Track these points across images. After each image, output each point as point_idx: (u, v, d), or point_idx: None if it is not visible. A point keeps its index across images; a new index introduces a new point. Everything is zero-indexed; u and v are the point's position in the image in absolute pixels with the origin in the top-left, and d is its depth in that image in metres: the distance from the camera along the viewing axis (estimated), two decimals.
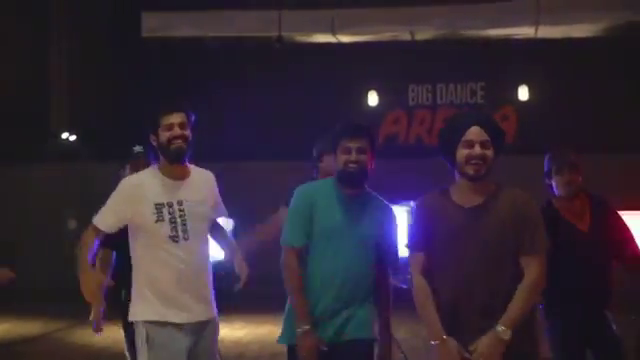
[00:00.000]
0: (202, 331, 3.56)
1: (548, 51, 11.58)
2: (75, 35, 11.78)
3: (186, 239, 3.47)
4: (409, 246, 3.29)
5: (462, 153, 3.04)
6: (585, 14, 10.95)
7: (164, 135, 3.46)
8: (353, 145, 3.50)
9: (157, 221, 3.42)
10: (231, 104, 11.73)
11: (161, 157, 3.55)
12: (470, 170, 3.04)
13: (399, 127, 12.44)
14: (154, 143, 3.55)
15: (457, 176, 3.16)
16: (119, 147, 5.52)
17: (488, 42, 11.67)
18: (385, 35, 11.62)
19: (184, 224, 3.47)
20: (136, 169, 4.09)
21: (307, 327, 3.35)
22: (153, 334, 3.47)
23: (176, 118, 3.51)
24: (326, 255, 3.59)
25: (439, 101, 12.49)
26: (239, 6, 11.34)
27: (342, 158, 3.52)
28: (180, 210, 3.47)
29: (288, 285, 3.59)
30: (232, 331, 9.11)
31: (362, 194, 3.64)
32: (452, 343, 3.08)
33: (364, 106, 12.01)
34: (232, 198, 9.03)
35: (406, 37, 11.61)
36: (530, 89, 11.82)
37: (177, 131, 3.47)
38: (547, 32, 11.27)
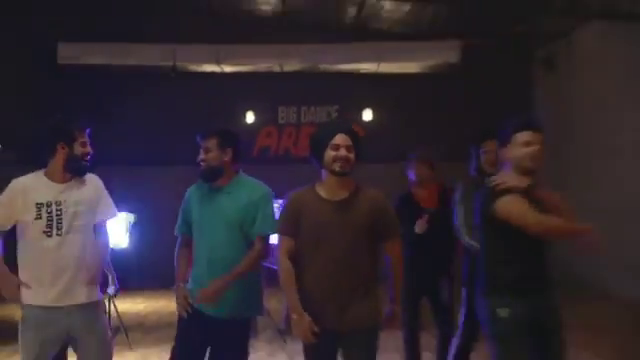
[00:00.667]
0: (85, 311, 3.59)
1: (386, 82, 12.50)
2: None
3: (59, 235, 3.51)
4: (278, 231, 3.47)
5: (330, 154, 3.32)
6: (414, 55, 12.19)
7: (79, 149, 3.60)
8: (203, 145, 3.77)
9: (36, 218, 3.51)
10: (133, 121, 12.07)
11: (54, 162, 3.61)
12: (337, 168, 3.31)
13: (271, 140, 13.12)
14: (62, 151, 3.59)
15: (324, 175, 3.41)
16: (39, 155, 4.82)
17: (340, 74, 12.43)
18: (260, 66, 12.24)
19: (59, 222, 3.52)
20: None
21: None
22: (28, 315, 3.56)
23: (85, 137, 3.66)
24: (199, 240, 3.82)
25: (303, 120, 13.30)
26: (142, 40, 11.68)
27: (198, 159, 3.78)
28: (57, 209, 3.53)
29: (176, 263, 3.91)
30: (134, 305, 9.54)
31: (227, 185, 3.79)
32: (307, 319, 3.27)
33: (243, 123, 12.63)
34: (135, 197, 9.96)
35: (277, 69, 12.29)
36: (373, 112, 12.83)
37: (89, 149, 3.64)
38: (386, 68, 12.29)
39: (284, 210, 3.44)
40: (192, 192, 3.90)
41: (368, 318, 3.36)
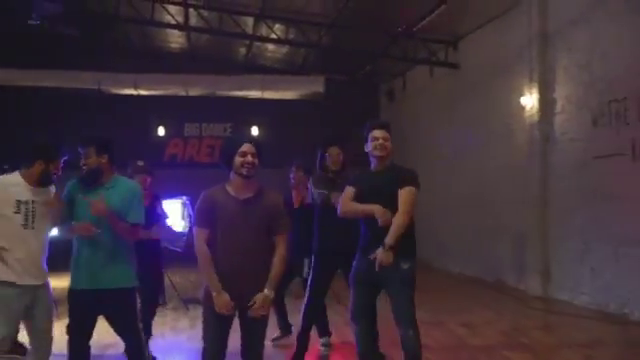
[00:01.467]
0: (37, 291, 3.76)
1: (270, 105, 13.46)
2: None
3: (33, 228, 3.72)
4: (195, 224, 3.46)
5: (238, 160, 3.36)
6: (290, 86, 13.11)
7: (52, 168, 3.75)
8: (83, 152, 3.76)
9: (15, 212, 3.68)
10: (67, 135, 12.73)
11: (31, 171, 3.74)
12: (244, 171, 3.35)
13: (178, 150, 14.06)
14: (39, 166, 3.72)
15: (232, 176, 3.41)
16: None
17: (234, 99, 13.15)
18: (170, 91, 12.94)
19: (33, 217, 3.72)
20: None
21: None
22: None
23: (59, 162, 3.79)
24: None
25: (204, 133, 14.25)
26: (75, 68, 12.16)
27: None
28: (33, 208, 3.73)
29: None
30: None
31: (107, 182, 3.77)
32: (226, 295, 3.34)
33: (155, 135, 13.66)
34: None
35: (183, 93, 12.98)
36: (259, 128, 13.91)
37: (59, 171, 3.81)
38: (269, 95, 13.16)
39: (200, 205, 3.44)
40: (73, 187, 3.85)
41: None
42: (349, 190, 4.03)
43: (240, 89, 13.06)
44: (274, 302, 4.35)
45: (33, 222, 3.70)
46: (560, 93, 8.55)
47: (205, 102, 13.41)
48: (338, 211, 4.04)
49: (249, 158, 3.34)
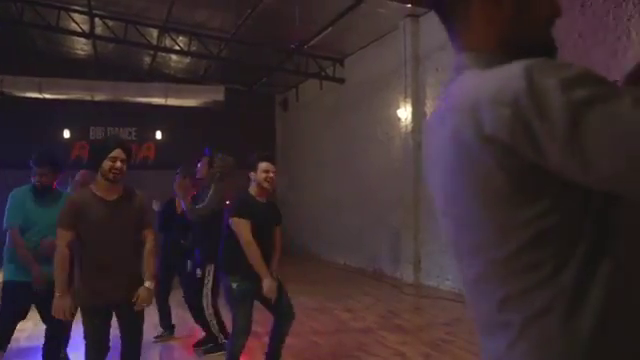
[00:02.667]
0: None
1: (173, 112, 13.16)
2: None
3: None
4: (59, 225, 3.28)
5: (107, 164, 3.26)
6: (192, 94, 12.74)
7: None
8: (38, 170, 3.94)
9: None
10: None
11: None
12: (111, 177, 3.26)
13: (83, 152, 13.20)
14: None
15: (99, 178, 3.29)
16: None
17: (138, 104, 12.65)
18: (75, 95, 12.28)
19: None
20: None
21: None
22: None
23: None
24: (33, 234, 3.96)
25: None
26: None
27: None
28: None
29: None
30: None
31: (54, 194, 3.99)
32: (67, 299, 3.22)
33: (61, 138, 13.09)
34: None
35: (88, 98, 12.38)
36: (162, 133, 13.80)
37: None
38: (173, 101, 12.70)
39: (67, 207, 3.32)
40: (25, 194, 3.98)
41: (136, 292, 3.35)
42: (244, 223, 3.89)
43: (144, 95, 12.66)
44: (156, 299, 4.43)
45: None
46: (429, 107, 9.00)
47: (111, 107, 12.92)
48: (241, 241, 3.87)
49: (118, 164, 3.27)
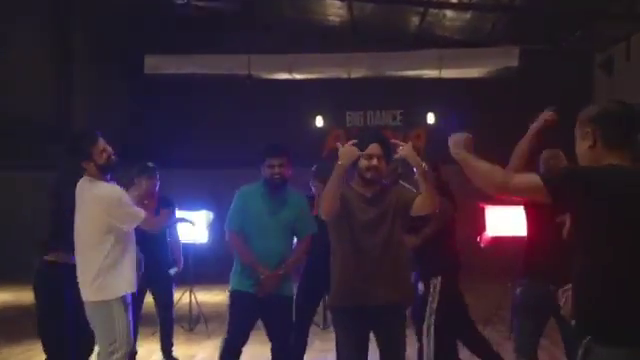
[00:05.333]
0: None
1: (449, 87, 12.40)
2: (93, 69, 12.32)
3: None
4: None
5: (363, 162, 3.67)
6: (474, 61, 12.24)
7: (101, 158, 3.96)
8: (276, 161, 4.19)
9: None
10: (212, 125, 12.50)
11: (89, 172, 3.96)
12: (368, 175, 3.66)
13: (340, 143, 13.34)
14: (88, 166, 3.94)
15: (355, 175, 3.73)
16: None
17: (405, 80, 12.45)
18: (329, 73, 12.38)
19: None
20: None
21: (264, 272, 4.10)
22: None
23: (101, 145, 3.99)
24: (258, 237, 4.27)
25: (369, 123, 13.43)
26: (221, 51, 11.99)
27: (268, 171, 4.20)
28: None
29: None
30: (212, 296, 9.41)
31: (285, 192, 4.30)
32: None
33: (313, 127, 12.94)
34: (216, 196, 10.14)
35: (344, 75, 12.35)
36: (436, 115, 12.88)
37: (109, 150, 4.00)
38: (447, 73, 12.22)
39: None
40: (251, 194, 4.33)
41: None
42: None
43: (413, 67, 12.36)
44: None
45: None
46: None
47: (370, 85, 12.68)
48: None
49: (374, 162, 3.59)
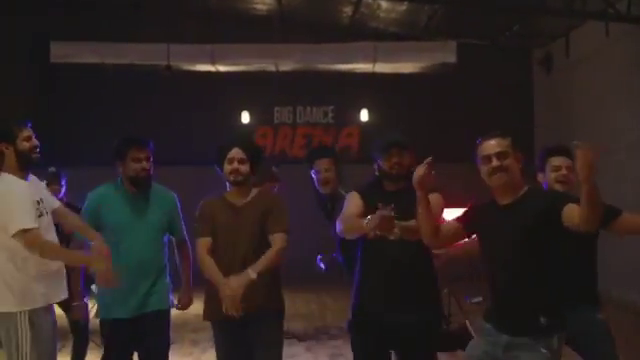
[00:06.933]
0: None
1: (383, 82, 12.60)
2: None
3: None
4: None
5: (226, 168, 3.83)
6: (409, 56, 12.30)
7: (24, 145, 3.63)
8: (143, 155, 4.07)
9: (39, 216, 3.59)
10: (123, 121, 11.74)
11: (7, 162, 3.65)
12: (231, 177, 3.84)
13: (266, 140, 13.13)
14: (7, 151, 3.62)
15: (228, 186, 3.89)
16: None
17: (337, 74, 12.47)
18: (255, 66, 12.25)
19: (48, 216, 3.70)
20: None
21: None
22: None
23: (27, 132, 3.70)
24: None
25: (298, 120, 13.45)
26: (135, 39, 11.63)
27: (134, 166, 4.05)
28: (44, 206, 3.66)
29: None
30: None
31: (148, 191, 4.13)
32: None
33: (238, 123, 12.74)
34: None
35: (272, 68, 12.32)
36: (369, 112, 12.96)
37: (34, 142, 3.70)
38: (382, 68, 12.34)
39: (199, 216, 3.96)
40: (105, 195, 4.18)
41: None
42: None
43: (345, 61, 12.34)
44: None
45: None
46: None
47: (300, 79, 12.58)
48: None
49: (235, 165, 3.78)
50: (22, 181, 3.55)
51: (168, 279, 4.15)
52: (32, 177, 3.70)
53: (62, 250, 3.74)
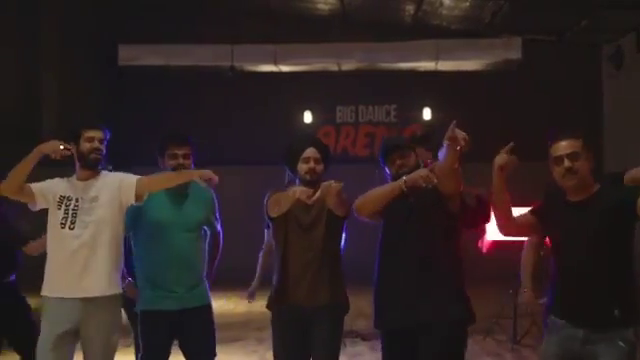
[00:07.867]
0: (91, 305, 3.66)
1: (445, 80, 12.51)
2: (63, 61, 12.07)
3: (71, 228, 3.66)
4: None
5: (302, 167, 3.82)
6: (473, 53, 12.25)
7: (85, 145, 3.75)
8: (179, 151, 4.08)
9: (57, 208, 3.72)
10: (187, 122, 11.86)
11: (76, 161, 3.81)
12: (307, 176, 3.80)
13: (329, 140, 12.97)
14: (72, 151, 3.74)
15: (297, 181, 3.88)
16: None
17: (399, 73, 12.45)
18: (317, 66, 12.32)
19: (74, 216, 3.68)
20: None
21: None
22: (47, 306, 3.73)
23: (91, 133, 3.78)
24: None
25: (361, 119, 13.47)
26: (201, 41, 11.94)
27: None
28: (75, 205, 3.70)
29: None
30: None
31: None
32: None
33: (301, 122, 12.60)
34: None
35: (334, 68, 12.35)
36: (432, 110, 12.64)
37: (96, 144, 3.77)
38: (444, 66, 12.31)
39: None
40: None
41: None
42: None
43: (407, 59, 12.36)
44: None
45: (74, 222, 3.68)
46: None
47: (362, 78, 12.64)
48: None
49: (312, 164, 3.79)
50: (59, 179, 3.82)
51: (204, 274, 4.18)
52: (105, 173, 3.86)
53: (168, 174, 3.98)
